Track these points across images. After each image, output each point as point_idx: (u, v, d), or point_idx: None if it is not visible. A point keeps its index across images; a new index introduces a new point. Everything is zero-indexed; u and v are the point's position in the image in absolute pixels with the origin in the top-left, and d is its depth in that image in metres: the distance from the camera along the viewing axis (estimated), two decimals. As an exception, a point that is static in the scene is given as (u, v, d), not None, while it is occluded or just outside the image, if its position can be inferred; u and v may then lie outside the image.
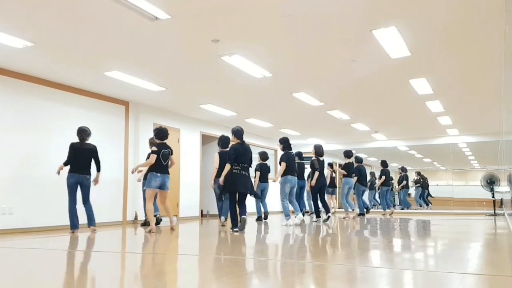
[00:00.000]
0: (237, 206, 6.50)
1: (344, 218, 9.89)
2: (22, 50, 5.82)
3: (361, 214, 10.68)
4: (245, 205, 6.59)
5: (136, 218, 8.88)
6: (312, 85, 7.89)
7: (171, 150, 6.71)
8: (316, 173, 8.54)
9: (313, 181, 8.55)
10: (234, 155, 6.40)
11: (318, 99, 8.83)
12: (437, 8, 4.70)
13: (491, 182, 11.85)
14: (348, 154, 10.09)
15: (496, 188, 11.80)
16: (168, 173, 6.61)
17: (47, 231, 6.79)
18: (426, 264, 3.49)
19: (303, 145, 14.43)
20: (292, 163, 7.90)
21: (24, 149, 6.90)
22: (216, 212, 11.75)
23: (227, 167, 6.46)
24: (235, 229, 6.34)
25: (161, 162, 6.48)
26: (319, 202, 8.77)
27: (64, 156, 6.68)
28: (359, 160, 10.79)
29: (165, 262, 3.78)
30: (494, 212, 11.76)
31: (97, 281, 2.93)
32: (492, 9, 4.68)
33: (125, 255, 4.44)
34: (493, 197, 11.99)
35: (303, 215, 10.28)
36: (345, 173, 10.04)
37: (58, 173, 6.42)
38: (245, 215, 6.50)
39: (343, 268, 3.26)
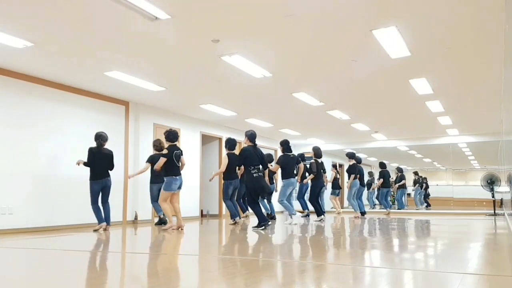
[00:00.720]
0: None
1: (356, 217, 9.97)
2: (22, 50, 5.82)
3: (362, 213, 10.73)
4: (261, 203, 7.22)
5: (136, 218, 8.88)
6: (312, 85, 7.89)
7: (181, 151, 6.97)
8: (311, 175, 8.93)
9: (306, 180, 9.17)
10: (245, 155, 6.77)
11: (318, 99, 8.83)
12: (437, 8, 4.70)
13: (491, 182, 11.84)
14: (352, 155, 10.16)
15: (496, 188, 11.80)
16: (181, 174, 6.88)
17: (47, 231, 6.78)
18: (426, 264, 3.49)
19: (303, 145, 14.43)
20: (291, 165, 8.15)
21: (24, 149, 6.89)
22: (216, 212, 11.82)
23: (241, 170, 7.40)
24: (267, 223, 6.76)
25: (175, 164, 6.73)
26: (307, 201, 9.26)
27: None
28: (358, 160, 10.81)
29: (166, 262, 3.78)
30: (494, 212, 11.76)
31: (97, 281, 2.93)
32: (492, 9, 4.68)
33: (125, 255, 4.44)
34: (493, 197, 11.99)
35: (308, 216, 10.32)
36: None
37: (78, 164, 6.61)
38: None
39: (343, 268, 3.26)
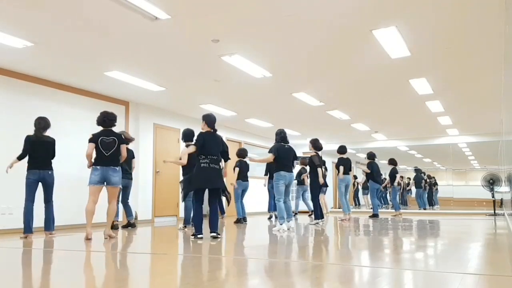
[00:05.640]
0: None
1: (343, 220, 9.16)
2: (22, 50, 5.82)
3: (375, 215, 10.19)
4: (216, 205, 5.62)
5: (136, 218, 8.87)
6: (312, 85, 7.89)
7: (120, 139, 5.67)
8: (320, 170, 7.63)
9: (321, 179, 7.64)
10: (201, 141, 5.58)
11: (318, 99, 8.83)
12: (437, 8, 4.70)
13: (492, 182, 11.84)
14: (342, 150, 9.48)
15: (496, 188, 11.80)
16: (113, 165, 5.57)
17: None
18: (426, 264, 3.49)
19: (303, 145, 14.43)
20: (285, 156, 6.64)
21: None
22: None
23: (190, 149, 5.72)
24: (198, 235, 5.33)
25: (101, 153, 5.50)
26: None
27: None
28: (371, 156, 10.48)
29: (164, 262, 3.78)
30: (494, 212, 11.76)
31: (94, 282, 2.93)
32: (492, 9, 4.68)
33: (126, 255, 4.44)
34: (493, 197, 12.00)
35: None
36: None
37: (10, 167, 5.86)
38: (216, 216, 5.54)
39: (343, 268, 3.26)
